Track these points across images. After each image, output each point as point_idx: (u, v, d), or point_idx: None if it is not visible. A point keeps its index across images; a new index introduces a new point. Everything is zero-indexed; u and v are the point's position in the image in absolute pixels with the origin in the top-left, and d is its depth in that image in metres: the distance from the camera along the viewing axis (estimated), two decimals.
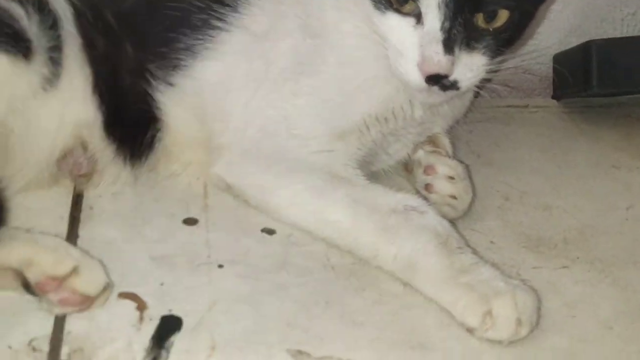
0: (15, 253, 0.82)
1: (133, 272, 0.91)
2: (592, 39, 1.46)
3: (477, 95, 1.19)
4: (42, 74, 0.96)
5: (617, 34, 1.49)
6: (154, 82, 1.04)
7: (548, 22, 1.46)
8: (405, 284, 0.91)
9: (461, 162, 1.10)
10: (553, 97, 1.49)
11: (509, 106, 1.44)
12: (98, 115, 1.02)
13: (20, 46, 0.93)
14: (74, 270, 0.82)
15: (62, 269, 0.81)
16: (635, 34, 1.50)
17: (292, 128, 1.02)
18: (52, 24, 0.97)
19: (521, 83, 1.49)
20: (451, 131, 1.20)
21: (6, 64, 0.91)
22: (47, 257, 0.81)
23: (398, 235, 0.91)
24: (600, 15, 1.48)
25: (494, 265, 0.94)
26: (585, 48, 1.36)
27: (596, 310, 0.91)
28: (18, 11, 0.95)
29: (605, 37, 1.48)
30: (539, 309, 0.86)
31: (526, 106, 1.46)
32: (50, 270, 0.81)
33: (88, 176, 1.06)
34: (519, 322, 0.83)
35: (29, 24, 0.95)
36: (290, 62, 1.05)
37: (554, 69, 1.47)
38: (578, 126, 1.40)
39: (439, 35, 0.91)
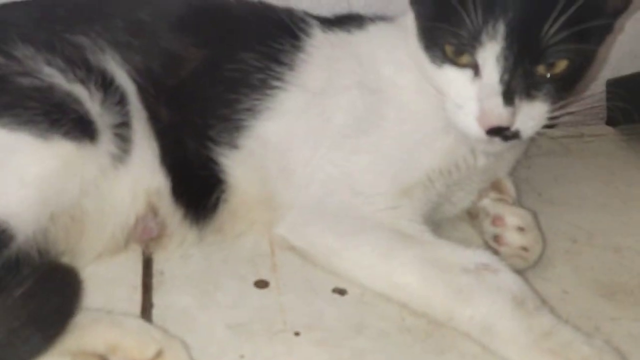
0: (102, 338, 0.83)
1: (212, 343, 0.92)
2: None
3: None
4: (110, 153, 0.97)
5: None
6: (216, 147, 1.05)
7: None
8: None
9: (529, 209, 1.08)
10: (608, 124, 1.47)
11: (563, 137, 1.43)
12: (167, 183, 1.03)
13: (85, 130, 0.93)
14: (158, 354, 0.82)
15: (147, 354, 0.82)
16: None
17: (355, 186, 1.02)
18: (119, 100, 0.99)
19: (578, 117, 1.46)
20: (511, 171, 1.18)
21: (73, 151, 0.92)
22: (131, 342, 0.82)
23: (472, 297, 0.90)
24: None
25: (571, 319, 0.93)
26: None
27: None
28: (81, 93, 0.96)
29: None
30: None
31: (581, 135, 1.44)
32: (136, 355, 0.82)
33: (157, 240, 1.07)
34: None
35: (92, 104, 0.96)
36: (349, 119, 1.05)
37: (608, 96, 1.44)
38: (638, 154, 1.38)
39: (498, 88, 0.90)
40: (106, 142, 0.97)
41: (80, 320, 0.85)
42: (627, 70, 1.45)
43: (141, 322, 0.89)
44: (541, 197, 1.24)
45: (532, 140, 1.20)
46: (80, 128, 0.93)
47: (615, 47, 1.45)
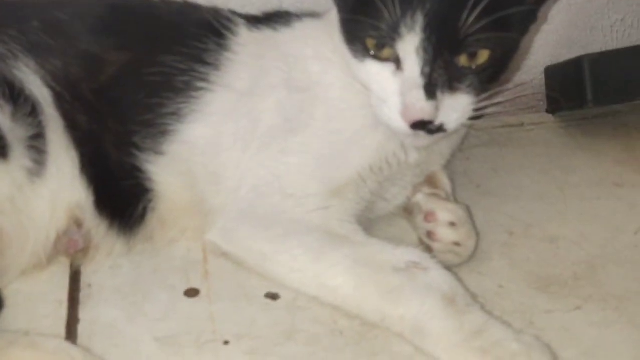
0: None
1: (138, 357, 0.89)
2: (582, 48, 1.46)
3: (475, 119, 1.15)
4: (25, 167, 0.93)
5: (608, 40, 1.47)
6: (140, 154, 1.02)
7: (537, 35, 1.44)
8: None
9: (462, 203, 1.07)
10: (547, 112, 1.47)
11: (504, 126, 1.42)
12: (88, 195, 1.00)
13: None
14: None
15: None
16: (625, 39, 1.48)
17: (286, 188, 1.00)
18: (31, 110, 0.95)
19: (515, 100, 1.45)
20: (448, 164, 1.17)
21: None
22: None
23: (403, 297, 0.88)
24: (588, 24, 1.46)
25: (506, 314, 0.93)
26: (578, 63, 1.34)
27: (615, 357, 0.89)
28: None
29: (595, 45, 1.47)
30: None
31: (522, 124, 1.43)
32: None
33: (84, 252, 1.04)
34: None
35: (1, 118, 0.91)
36: (277, 119, 1.03)
37: (547, 83, 1.44)
38: (576, 141, 1.38)
39: (419, 81, 0.89)
40: (19, 156, 0.93)
41: None
42: (565, 56, 1.44)
43: (59, 342, 0.86)
44: (479, 188, 1.23)
45: (469, 131, 1.20)
46: None
47: (551, 34, 1.44)
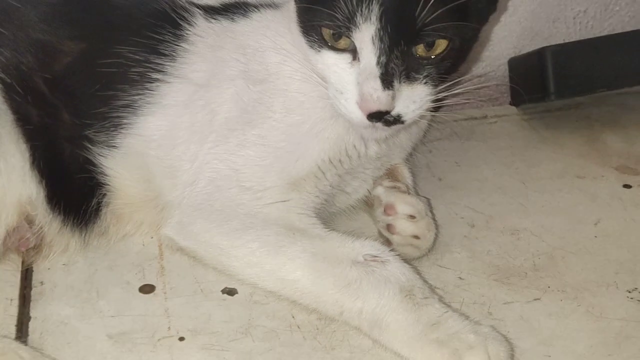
0: None
1: (91, 355, 0.88)
2: (545, 40, 1.45)
3: (434, 113, 1.15)
4: None
5: (571, 32, 1.47)
6: (94, 147, 0.99)
7: (499, 26, 1.43)
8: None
9: (422, 197, 1.07)
10: (511, 104, 1.47)
11: (467, 118, 1.41)
12: (40, 190, 0.97)
13: None
14: None
15: None
16: (588, 30, 1.48)
17: (243, 181, 0.98)
18: None
19: (478, 91, 1.45)
20: (409, 157, 1.16)
21: None
22: None
23: (361, 290, 0.87)
24: (551, 15, 1.45)
25: (465, 305, 0.93)
26: (540, 55, 1.34)
27: (572, 346, 0.88)
28: None
29: (558, 36, 1.47)
30: (512, 356, 0.83)
31: (485, 117, 1.43)
32: None
33: (36, 249, 1.01)
34: None
35: None
36: (234, 111, 1.01)
37: (510, 75, 1.44)
38: (539, 133, 1.37)
39: (375, 71, 0.87)
40: None
41: None
42: (528, 48, 1.44)
43: (8, 341, 0.84)
44: (442, 182, 1.22)
45: (431, 124, 1.19)
46: None
47: (514, 26, 1.44)
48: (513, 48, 1.46)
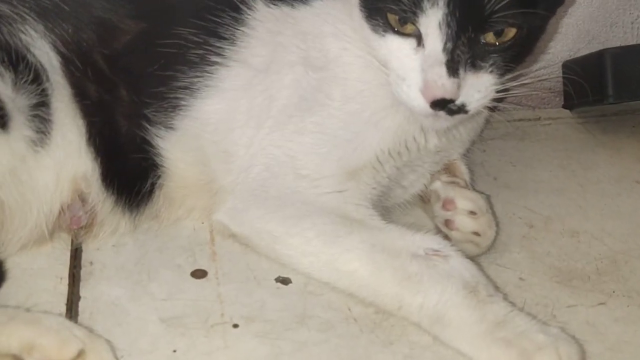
0: (16, 336, 0.76)
1: (143, 337, 0.86)
2: (601, 44, 1.42)
3: (492, 110, 1.12)
4: (27, 137, 0.90)
5: (628, 37, 1.44)
6: (151, 127, 0.98)
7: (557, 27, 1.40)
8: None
9: (482, 193, 1.04)
10: (564, 107, 1.43)
11: (520, 120, 1.39)
12: (95, 167, 0.96)
13: None
14: (80, 354, 0.75)
15: (67, 354, 0.75)
16: None
17: (300, 168, 0.96)
18: (33, 77, 0.90)
19: (532, 93, 1.42)
20: (466, 153, 1.13)
21: None
22: (50, 341, 0.75)
23: (422, 284, 0.85)
24: (609, 20, 1.42)
25: (527, 306, 0.90)
26: (599, 57, 1.30)
27: None
28: None
29: (615, 41, 1.43)
30: (584, 359, 0.80)
31: (538, 118, 1.40)
32: (54, 355, 0.74)
33: (87, 228, 1.00)
34: None
35: (1, 86, 0.87)
36: (293, 98, 0.99)
37: (565, 78, 1.40)
38: (595, 137, 1.34)
39: (441, 57, 0.85)
40: (20, 126, 0.89)
41: None
42: (583, 51, 1.41)
43: (62, 320, 0.82)
44: (497, 181, 1.19)
45: (487, 122, 1.16)
46: None
47: (571, 29, 1.41)
48: (568, 51, 1.43)
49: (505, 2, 0.82)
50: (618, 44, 1.43)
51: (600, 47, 1.39)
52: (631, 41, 1.45)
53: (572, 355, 0.78)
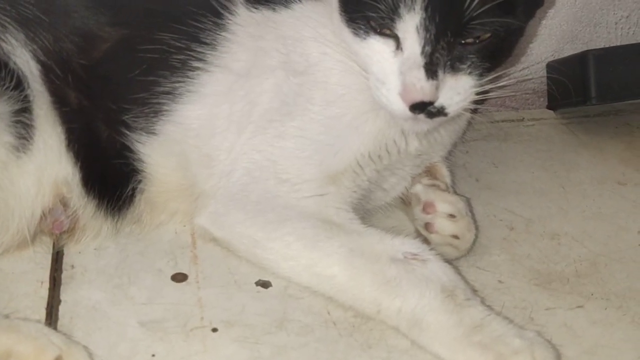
0: None
1: (122, 341, 0.86)
2: (585, 44, 1.43)
3: (474, 112, 1.12)
4: (8, 143, 0.90)
5: (612, 37, 1.44)
6: (131, 133, 0.98)
7: (540, 29, 1.41)
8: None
9: (462, 196, 1.04)
10: (548, 108, 1.44)
11: (504, 120, 1.39)
12: (76, 172, 0.96)
13: None
14: None
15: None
16: (630, 36, 1.45)
17: (280, 172, 0.96)
18: (15, 84, 0.91)
19: (514, 94, 1.43)
20: (447, 156, 1.14)
21: None
22: (27, 348, 0.76)
23: (400, 288, 0.85)
24: (593, 20, 1.42)
25: (506, 309, 0.91)
26: (582, 58, 1.31)
27: (618, 356, 0.86)
28: None
29: (598, 41, 1.44)
30: None
31: (522, 119, 1.40)
32: None
33: (69, 233, 1.00)
34: None
35: None
36: (274, 102, 0.99)
37: (548, 79, 1.41)
38: (578, 138, 1.35)
39: (419, 60, 0.85)
40: (1, 132, 0.89)
41: None
42: (567, 52, 1.41)
43: (40, 327, 0.82)
44: (479, 182, 1.20)
45: (470, 123, 1.17)
46: None
47: (554, 29, 1.41)
48: (552, 51, 1.44)
49: (483, 9, 0.83)
50: (602, 44, 1.44)
51: (584, 48, 1.40)
52: (615, 41, 1.45)
53: (547, 359, 0.78)
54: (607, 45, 1.43)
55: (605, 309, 0.93)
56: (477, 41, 0.86)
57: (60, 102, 0.95)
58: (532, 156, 1.28)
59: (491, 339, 0.80)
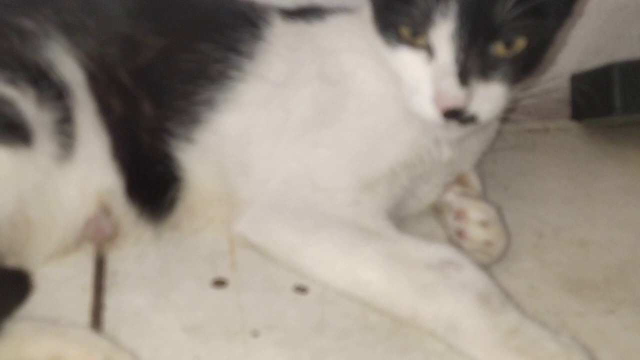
0: (44, 349, 0.78)
1: (166, 345, 0.88)
2: (609, 56, 1.44)
3: (503, 121, 1.15)
4: (51, 153, 0.92)
5: (635, 50, 1.46)
6: (172, 140, 1.01)
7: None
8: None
9: (493, 203, 1.06)
10: (573, 118, 1.46)
11: (529, 131, 1.41)
12: (119, 180, 0.98)
13: (17, 134, 0.87)
14: None
15: None
16: None
17: (317, 181, 0.99)
18: (57, 94, 0.93)
19: (539, 105, 1.45)
20: (477, 164, 1.16)
21: (5, 160, 0.86)
22: (75, 353, 0.78)
23: (436, 294, 0.87)
24: (616, 33, 1.44)
25: (538, 315, 0.92)
26: (607, 70, 1.33)
27: None
28: (8, 93, 0.89)
29: (622, 53, 1.45)
30: None
31: (547, 130, 1.42)
32: None
33: (111, 240, 1.03)
34: None
35: (25, 104, 0.90)
36: (310, 112, 1.02)
37: (573, 90, 1.43)
38: (603, 148, 1.37)
39: (452, 68, 0.88)
40: (44, 142, 0.91)
41: (21, 330, 0.81)
42: (591, 64, 1.43)
43: (87, 332, 0.84)
44: (507, 191, 1.22)
45: (498, 133, 1.19)
46: (10, 133, 0.87)
47: (579, 41, 1.43)
48: (576, 63, 1.45)
49: (515, 12, 0.85)
50: (625, 56, 1.45)
51: (608, 59, 1.42)
52: (638, 54, 1.47)
53: None
54: (630, 57, 1.45)
55: (637, 314, 0.95)
56: (510, 49, 0.89)
57: (104, 109, 0.98)
58: (558, 166, 1.30)
59: (528, 344, 0.82)
